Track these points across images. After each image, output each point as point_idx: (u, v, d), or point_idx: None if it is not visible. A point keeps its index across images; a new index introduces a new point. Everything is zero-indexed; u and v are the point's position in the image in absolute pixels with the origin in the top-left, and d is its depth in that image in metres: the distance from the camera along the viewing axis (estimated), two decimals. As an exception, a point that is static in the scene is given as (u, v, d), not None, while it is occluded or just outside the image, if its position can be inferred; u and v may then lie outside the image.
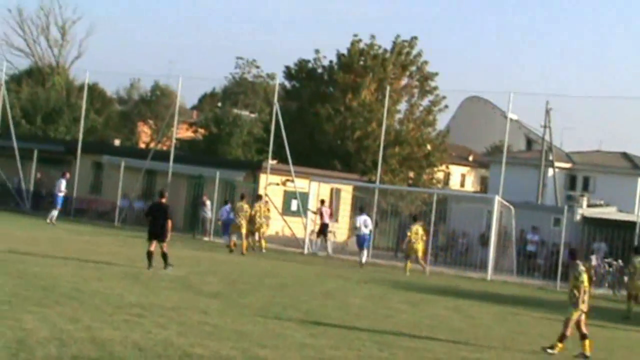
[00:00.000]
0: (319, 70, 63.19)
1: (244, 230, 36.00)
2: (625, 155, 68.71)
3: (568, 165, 68.04)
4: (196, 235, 42.78)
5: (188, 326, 15.98)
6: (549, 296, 32.38)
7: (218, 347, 14.25)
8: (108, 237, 37.22)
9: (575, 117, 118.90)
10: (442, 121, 73.14)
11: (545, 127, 60.60)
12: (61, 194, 42.10)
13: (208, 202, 43.83)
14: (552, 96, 68.13)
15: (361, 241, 37.00)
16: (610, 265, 38.19)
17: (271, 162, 46.42)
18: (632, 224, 37.79)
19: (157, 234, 25.17)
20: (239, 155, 67.48)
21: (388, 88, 50.80)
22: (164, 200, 25.96)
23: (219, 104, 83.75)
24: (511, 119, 42.86)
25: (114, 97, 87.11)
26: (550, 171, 61.64)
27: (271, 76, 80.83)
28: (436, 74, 63.03)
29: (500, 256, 38.96)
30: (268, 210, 38.95)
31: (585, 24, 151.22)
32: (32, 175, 51.36)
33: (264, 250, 37.24)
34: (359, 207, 41.42)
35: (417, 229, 35.22)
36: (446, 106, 63.99)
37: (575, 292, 17.79)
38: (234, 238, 36.27)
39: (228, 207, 40.45)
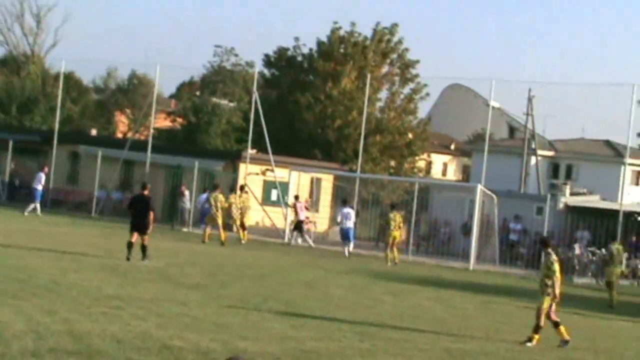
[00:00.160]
0: (299, 59, 62.98)
1: (219, 221, 35.65)
2: (608, 143, 68.66)
3: (551, 153, 67.98)
4: (175, 226, 42.47)
5: (167, 318, 15.91)
6: (532, 285, 32.00)
7: (198, 339, 14.17)
8: (85, 229, 36.98)
9: (557, 104, 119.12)
10: (423, 109, 72.82)
11: (527, 114, 60.46)
12: (40, 187, 41.62)
13: (187, 193, 43.49)
14: (534, 83, 67.76)
15: (345, 234, 36.75)
16: (593, 254, 38.09)
17: (250, 151, 46.15)
18: (616, 212, 37.69)
19: (139, 225, 25.22)
20: (218, 145, 67.20)
21: (369, 76, 50.56)
22: (146, 192, 26.06)
23: (198, 93, 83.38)
24: (493, 107, 42.76)
25: (91, 86, 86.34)
26: (533, 159, 61.55)
27: (250, 64, 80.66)
28: (417, 61, 62.98)
29: (483, 246, 38.84)
30: (248, 200, 38.48)
31: (565, 10, 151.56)
32: (7, 166, 50.81)
33: (243, 242, 36.89)
34: (341, 200, 41.16)
35: (395, 215, 35.10)
36: (427, 94, 64.04)
37: (547, 281, 17.71)
38: (209, 230, 35.87)
39: (206, 195, 40.07)
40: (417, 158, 65.24)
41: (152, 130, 52.64)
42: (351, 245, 36.79)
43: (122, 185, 48.10)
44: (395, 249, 35.34)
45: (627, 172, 51.73)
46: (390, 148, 61.02)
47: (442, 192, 46.66)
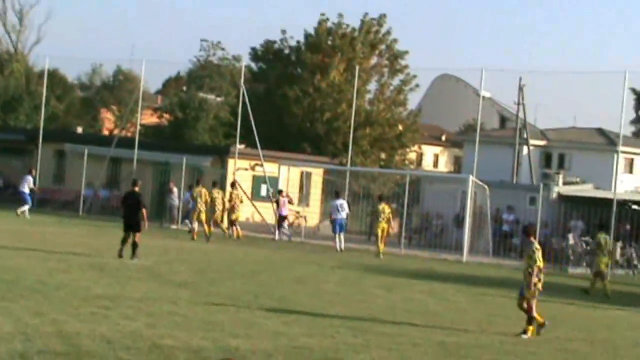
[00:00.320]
0: (286, 51, 62.80)
1: (203, 216, 35.34)
2: (600, 131, 68.59)
3: (543, 143, 67.87)
4: (163, 223, 42.18)
5: (157, 317, 15.81)
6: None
7: (188, 337, 14.09)
8: (73, 228, 36.77)
9: (549, 93, 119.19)
10: (413, 100, 72.91)
11: (518, 104, 60.20)
12: (26, 190, 41.24)
13: (175, 189, 43.22)
14: (525, 72, 67.80)
15: (339, 225, 36.38)
16: (587, 244, 37.86)
17: (239, 146, 45.86)
18: (609, 201, 37.44)
19: (131, 224, 25.19)
20: (205, 140, 67.02)
21: (357, 68, 50.36)
22: (136, 189, 26.01)
23: (184, 88, 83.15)
24: (484, 97, 42.55)
25: (76, 83, 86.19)
26: (525, 149, 61.34)
27: (237, 58, 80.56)
28: (406, 52, 62.89)
29: (476, 237, 38.65)
30: (238, 197, 38.07)
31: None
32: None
33: (227, 236, 36.55)
34: (334, 192, 40.90)
35: (384, 208, 34.89)
36: (417, 85, 64.08)
37: (530, 270, 17.51)
38: (196, 227, 35.55)
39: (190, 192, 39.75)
40: (407, 150, 65.17)
41: (138, 127, 52.31)
42: (342, 239, 36.38)
43: (110, 183, 47.87)
44: (382, 241, 34.94)
45: (620, 161, 51.55)
46: (380, 140, 60.86)
47: (433, 183, 46.45)
